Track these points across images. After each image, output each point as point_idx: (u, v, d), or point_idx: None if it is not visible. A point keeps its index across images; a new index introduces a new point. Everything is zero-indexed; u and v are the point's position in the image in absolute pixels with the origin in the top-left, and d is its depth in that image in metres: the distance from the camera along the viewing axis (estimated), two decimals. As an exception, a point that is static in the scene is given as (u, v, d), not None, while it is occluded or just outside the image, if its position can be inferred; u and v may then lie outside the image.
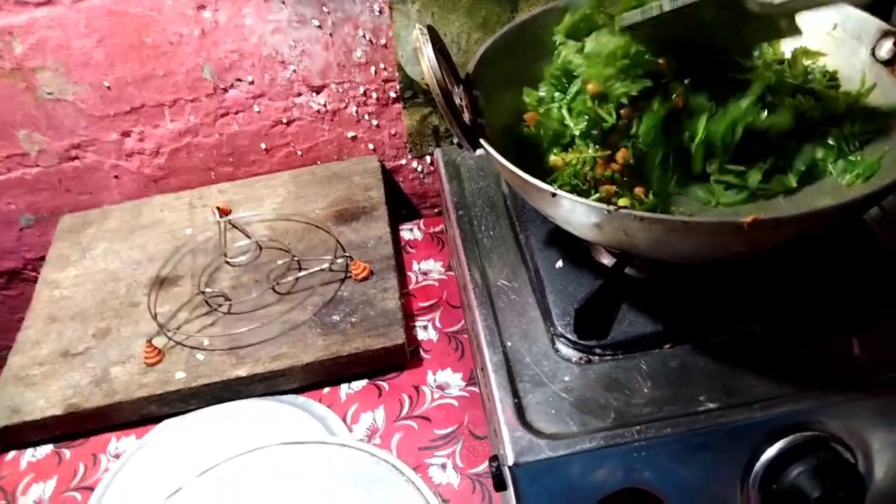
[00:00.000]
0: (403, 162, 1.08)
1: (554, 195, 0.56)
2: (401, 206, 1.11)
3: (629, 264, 0.66)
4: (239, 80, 0.98)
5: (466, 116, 0.64)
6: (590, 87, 0.65)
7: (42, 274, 0.97)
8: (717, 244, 0.53)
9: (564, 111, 0.66)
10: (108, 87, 0.96)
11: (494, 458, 0.60)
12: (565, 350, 0.63)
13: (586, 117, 0.65)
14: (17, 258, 1.11)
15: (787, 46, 0.73)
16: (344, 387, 0.83)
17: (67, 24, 0.91)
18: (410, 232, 1.03)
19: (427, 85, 0.94)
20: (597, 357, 0.62)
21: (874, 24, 0.66)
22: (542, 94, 0.70)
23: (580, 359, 0.62)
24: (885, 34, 0.65)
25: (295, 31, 0.95)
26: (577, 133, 0.65)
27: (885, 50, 0.65)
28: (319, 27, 0.94)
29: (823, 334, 0.61)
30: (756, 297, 0.64)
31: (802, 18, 0.70)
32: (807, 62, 0.71)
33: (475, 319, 0.68)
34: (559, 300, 0.66)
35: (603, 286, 0.63)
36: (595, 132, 0.65)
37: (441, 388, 0.82)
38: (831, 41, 0.70)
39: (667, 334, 0.62)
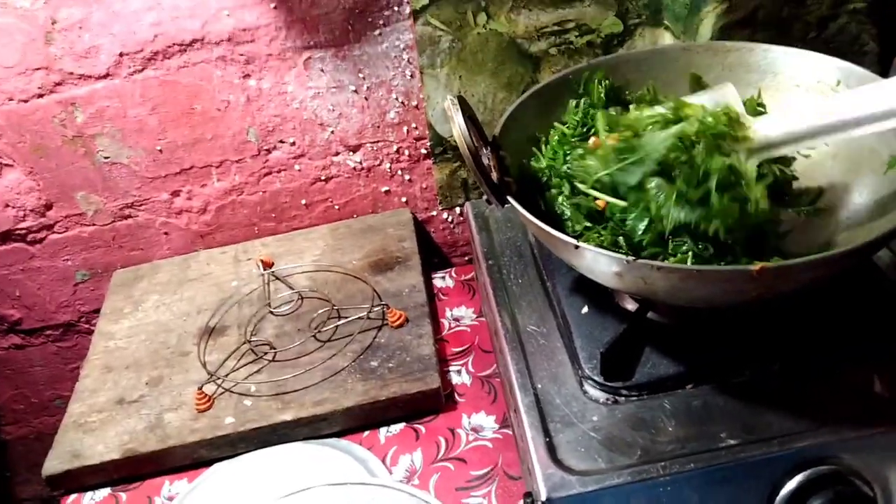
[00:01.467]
0: (434, 213, 1.14)
1: (577, 247, 0.60)
2: (433, 255, 1.16)
3: (651, 309, 0.70)
4: (281, 141, 1.05)
5: (494, 175, 0.69)
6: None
7: (97, 326, 1.03)
8: (730, 290, 0.57)
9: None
10: (160, 151, 1.04)
11: (528, 495, 0.63)
12: (593, 391, 0.67)
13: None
14: (72, 311, 1.18)
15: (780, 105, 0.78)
16: (383, 430, 0.87)
17: (124, 95, 0.99)
18: (442, 280, 1.08)
19: (456, 144, 1.01)
20: (623, 398, 0.66)
21: (874, 80, 0.71)
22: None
23: (607, 399, 0.66)
24: (885, 90, 0.69)
25: (333, 96, 1.02)
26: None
27: (885, 104, 0.69)
28: (355, 92, 1.01)
29: (839, 371, 0.65)
30: (773, 337, 0.68)
31: (809, 75, 0.75)
32: None
33: (507, 363, 0.72)
34: (586, 344, 0.70)
35: (627, 330, 0.67)
36: None
37: (475, 430, 0.85)
38: (836, 97, 0.74)
39: (689, 375, 0.66)
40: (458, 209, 1.13)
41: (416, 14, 0.96)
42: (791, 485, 0.59)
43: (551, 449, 0.62)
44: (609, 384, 0.66)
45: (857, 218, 0.68)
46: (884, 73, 0.71)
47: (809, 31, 0.91)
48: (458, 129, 0.66)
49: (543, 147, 0.79)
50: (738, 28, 0.91)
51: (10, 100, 0.98)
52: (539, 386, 0.69)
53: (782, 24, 0.91)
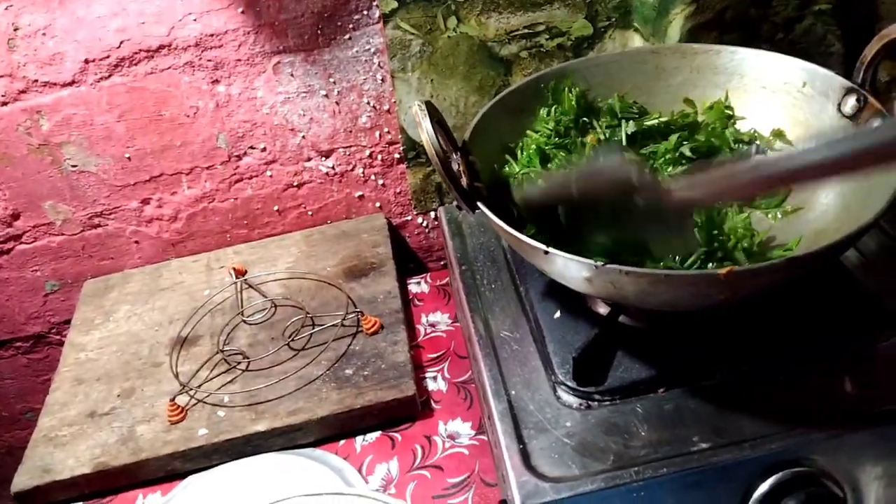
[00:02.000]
0: (409, 218, 1.13)
1: (546, 252, 0.60)
2: (408, 261, 1.16)
3: (623, 313, 0.70)
4: (252, 147, 1.04)
5: (464, 181, 0.69)
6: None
7: (68, 337, 1.01)
8: (698, 294, 0.58)
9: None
10: (129, 159, 1.03)
11: (503, 502, 0.63)
12: (566, 397, 0.67)
13: None
14: (42, 322, 1.16)
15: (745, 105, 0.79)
16: (359, 438, 0.87)
17: (90, 102, 0.98)
18: (418, 285, 1.07)
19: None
20: (595, 402, 0.66)
21: (838, 81, 0.72)
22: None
23: (580, 405, 0.66)
24: (849, 91, 0.70)
25: (303, 101, 1.01)
26: None
27: (849, 106, 0.70)
28: (326, 96, 1.01)
29: (808, 373, 0.65)
30: (743, 340, 0.68)
31: (776, 77, 0.76)
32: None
33: (480, 370, 0.72)
34: (559, 349, 0.70)
35: (599, 335, 0.67)
36: None
37: (452, 437, 0.85)
38: (802, 98, 0.75)
39: (660, 379, 0.66)
40: (432, 213, 1.13)
41: (385, 18, 0.95)
42: (764, 487, 0.59)
43: (525, 456, 0.62)
44: (582, 389, 0.66)
45: (823, 219, 0.69)
46: (848, 74, 0.72)
47: (776, 32, 0.92)
48: (426, 135, 0.66)
49: (519, 153, 0.79)
50: (705, 30, 0.91)
51: (-27, 109, 0.96)
52: (513, 392, 0.68)
53: (749, 26, 0.91)
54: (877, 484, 0.62)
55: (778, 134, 0.77)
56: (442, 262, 1.17)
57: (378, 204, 1.11)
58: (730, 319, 0.68)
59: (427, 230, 1.14)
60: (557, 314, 0.74)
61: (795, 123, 0.76)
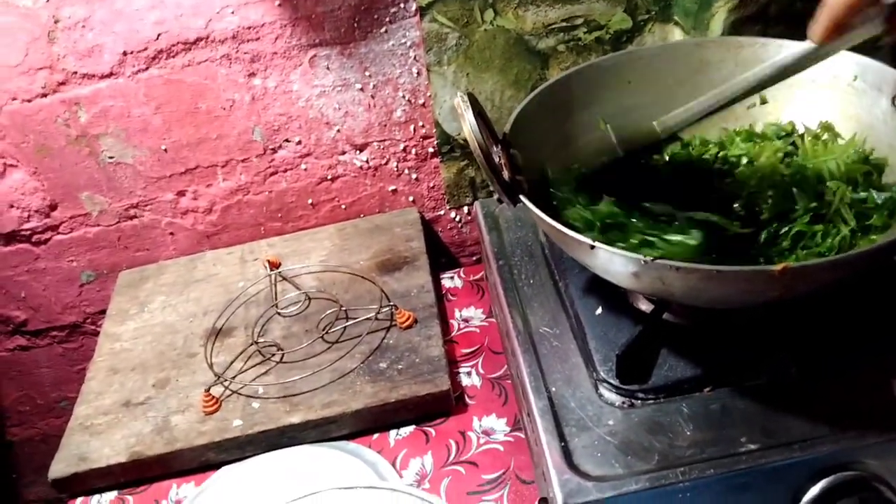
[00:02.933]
0: (442, 213, 1.12)
1: (592, 247, 0.59)
2: (440, 255, 1.15)
3: (667, 310, 0.68)
4: (287, 140, 1.04)
5: (506, 174, 0.68)
6: None
7: (103, 327, 1.02)
8: (751, 291, 0.56)
9: None
10: (165, 150, 1.03)
11: (543, 501, 0.62)
12: (608, 395, 0.66)
13: None
14: (77, 312, 1.17)
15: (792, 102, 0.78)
16: (393, 433, 0.86)
17: (128, 94, 0.98)
18: (451, 280, 1.07)
19: (464, 141, 0.99)
20: (639, 401, 0.65)
21: (893, 74, 0.70)
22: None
23: (623, 403, 0.65)
24: (905, 84, 0.68)
25: (339, 95, 1.00)
26: None
27: (905, 99, 0.68)
28: (362, 90, 1.00)
29: (859, 374, 0.63)
30: (791, 339, 0.66)
31: (825, 71, 0.74)
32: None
33: (519, 366, 0.71)
34: (600, 346, 0.69)
35: (642, 332, 0.66)
36: None
37: (486, 433, 0.84)
38: (853, 92, 0.73)
39: (706, 378, 0.65)
40: (465, 208, 1.12)
41: (422, 11, 0.94)
42: (814, 491, 0.58)
43: (567, 454, 0.61)
44: (625, 387, 0.65)
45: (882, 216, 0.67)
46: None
47: (823, 25, 0.90)
48: (468, 126, 0.65)
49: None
50: (749, 23, 0.90)
51: (14, 99, 0.97)
52: (553, 389, 0.67)
53: (794, 19, 0.89)
54: (932, 490, 0.60)
55: (826, 128, 0.75)
56: (474, 258, 1.16)
57: (411, 198, 1.11)
58: (777, 318, 0.67)
59: (460, 225, 1.14)
60: (599, 310, 0.72)
61: (846, 118, 0.74)
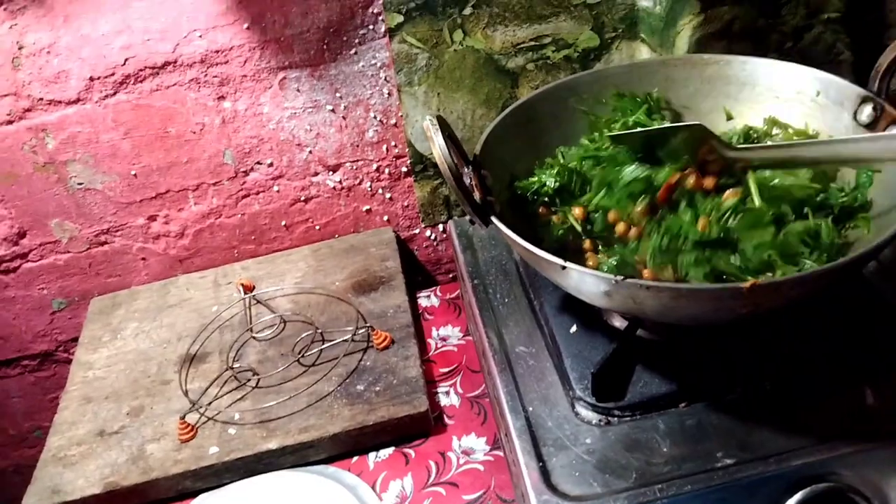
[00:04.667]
0: (417, 231, 1.12)
1: (564, 267, 0.60)
2: (416, 274, 1.15)
3: (641, 326, 0.69)
4: (259, 163, 1.03)
5: (477, 196, 0.68)
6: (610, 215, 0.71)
7: (75, 356, 1.00)
8: (720, 308, 0.57)
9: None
10: (135, 176, 1.02)
11: (523, 521, 0.62)
12: (585, 413, 0.66)
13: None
14: (49, 341, 1.15)
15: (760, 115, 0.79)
16: (372, 455, 0.86)
17: (96, 120, 0.97)
18: (427, 299, 1.07)
19: (437, 161, 1.00)
20: (616, 418, 0.65)
21: (854, 90, 0.71)
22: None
23: (600, 421, 0.65)
24: (865, 99, 0.70)
25: (310, 116, 1.00)
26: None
27: (865, 114, 0.69)
28: (333, 111, 1.00)
29: (831, 387, 0.64)
30: (764, 353, 0.67)
31: (789, 87, 0.75)
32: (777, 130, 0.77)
33: (496, 385, 0.71)
34: (576, 364, 0.69)
35: (617, 349, 0.67)
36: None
37: (466, 453, 0.84)
38: (816, 107, 0.75)
39: (681, 393, 0.66)
40: (440, 226, 1.12)
41: (391, 32, 0.95)
42: (791, 503, 0.58)
43: (545, 474, 0.61)
44: (601, 405, 0.65)
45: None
46: (859, 82, 0.71)
47: (785, 41, 0.91)
48: (438, 149, 0.65)
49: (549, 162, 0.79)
50: (714, 40, 0.91)
51: (-22, 128, 0.95)
52: (530, 408, 0.68)
53: (758, 36, 0.91)
54: (906, 499, 0.61)
55: (773, 122, 0.77)
56: (451, 275, 1.16)
57: (386, 217, 1.11)
58: (750, 332, 0.68)
59: (435, 243, 1.14)
60: (573, 328, 0.73)
61: (809, 132, 0.76)
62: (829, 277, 0.56)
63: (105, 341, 1.02)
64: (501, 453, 0.83)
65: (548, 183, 0.74)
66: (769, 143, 0.74)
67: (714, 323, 0.64)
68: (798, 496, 0.58)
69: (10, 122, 0.96)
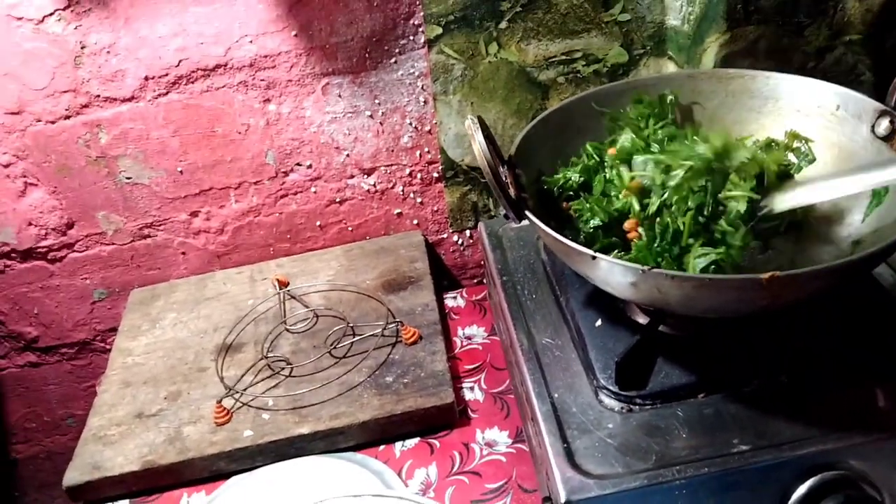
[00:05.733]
0: (445, 236, 1.16)
1: (594, 258, 0.63)
2: (443, 277, 1.19)
3: (662, 322, 0.72)
4: (298, 164, 1.08)
5: (512, 192, 0.72)
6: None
7: (115, 343, 1.05)
8: (740, 299, 0.60)
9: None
10: (181, 172, 1.07)
11: (547, 499, 0.65)
12: (608, 400, 0.70)
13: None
14: (88, 330, 1.20)
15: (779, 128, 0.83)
16: (398, 444, 0.89)
17: (148, 117, 1.03)
18: (454, 300, 1.10)
19: (468, 167, 1.05)
20: (637, 406, 0.68)
21: (871, 104, 0.75)
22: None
23: (622, 408, 0.69)
24: (882, 113, 0.73)
25: (349, 121, 1.05)
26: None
27: (882, 127, 0.73)
28: (371, 117, 1.05)
29: (843, 381, 0.67)
30: (780, 349, 0.70)
31: (810, 101, 0.79)
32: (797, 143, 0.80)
33: (524, 375, 0.74)
34: (600, 356, 0.73)
35: (640, 342, 0.70)
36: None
37: (489, 444, 0.87)
38: (835, 120, 0.78)
39: (700, 384, 0.69)
40: (468, 232, 1.16)
41: (430, 43, 1.00)
42: (802, 489, 0.61)
43: (569, 454, 0.64)
44: (624, 393, 0.69)
45: (858, 235, 0.72)
46: (878, 100, 0.75)
47: (808, 61, 0.95)
48: (478, 146, 0.70)
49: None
50: (739, 58, 0.95)
51: (38, 121, 1.01)
52: (556, 395, 0.71)
53: (782, 55, 0.95)
54: (915, 489, 0.63)
55: (794, 136, 0.81)
56: (475, 280, 1.20)
57: (416, 221, 1.15)
58: (768, 328, 0.71)
59: (462, 248, 1.18)
60: (598, 323, 0.76)
61: (829, 145, 0.79)
62: (840, 273, 0.59)
63: (144, 330, 1.06)
64: (524, 446, 0.86)
65: (572, 178, 0.78)
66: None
67: (734, 315, 0.67)
68: (809, 482, 0.61)
69: (67, 118, 1.01)
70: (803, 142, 0.81)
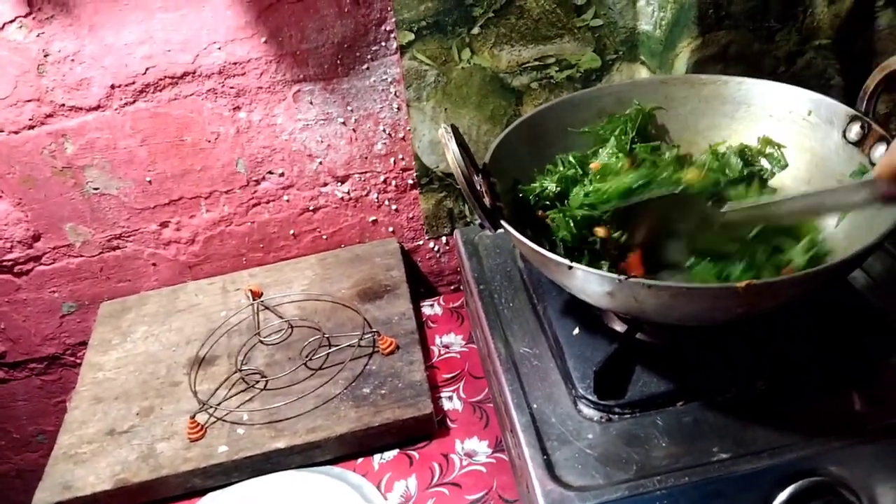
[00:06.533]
0: (420, 243, 1.16)
1: (570, 267, 0.63)
2: (419, 285, 1.18)
3: (640, 330, 0.72)
4: (270, 172, 1.06)
5: (487, 201, 0.72)
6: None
7: (85, 357, 1.03)
8: (717, 307, 0.60)
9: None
10: (150, 182, 1.05)
11: (527, 512, 0.65)
12: (587, 410, 0.69)
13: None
14: (57, 344, 1.17)
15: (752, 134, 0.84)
16: (377, 457, 0.88)
17: (114, 126, 1.01)
18: (431, 308, 1.10)
19: (443, 173, 1.04)
20: (616, 416, 0.68)
21: (843, 109, 0.75)
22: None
23: (601, 418, 0.68)
24: (853, 118, 0.74)
25: (321, 128, 1.04)
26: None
27: (853, 132, 0.73)
28: (344, 124, 1.04)
29: (821, 388, 0.67)
30: (757, 356, 0.71)
31: (782, 106, 0.80)
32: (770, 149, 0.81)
33: (502, 385, 0.74)
34: (578, 365, 0.72)
35: (618, 350, 0.70)
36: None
37: (469, 455, 0.87)
38: (807, 125, 0.79)
39: (679, 393, 0.69)
40: (444, 238, 1.15)
41: (402, 49, 0.99)
42: (782, 496, 0.61)
43: (549, 466, 0.64)
44: (603, 403, 0.68)
45: (832, 240, 0.72)
46: (849, 104, 0.76)
47: (779, 65, 0.96)
48: (452, 155, 0.69)
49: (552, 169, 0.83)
50: (710, 63, 0.95)
51: (1, 131, 0.98)
52: (534, 406, 0.70)
53: (753, 60, 0.95)
54: (893, 494, 0.63)
55: (767, 142, 0.82)
56: (452, 287, 1.19)
57: (391, 229, 1.14)
58: (745, 336, 0.71)
59: (438, 255, 1.17)
60: (576, 331, 0.76)
61: (801, 150, 0.80)
62: (816, 280, 0.60)
63: (115, 344, 1.04)
64: (503, 456, 0.85)
65: (549, 187, 0.78)
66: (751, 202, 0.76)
67: (711, 323, 0.67)
68: (790, 489, 0.61)
69: (31, 127, 0.99)
70: (776, 147, 0.81)
